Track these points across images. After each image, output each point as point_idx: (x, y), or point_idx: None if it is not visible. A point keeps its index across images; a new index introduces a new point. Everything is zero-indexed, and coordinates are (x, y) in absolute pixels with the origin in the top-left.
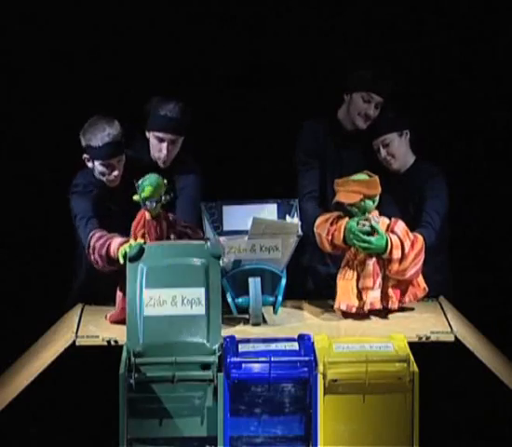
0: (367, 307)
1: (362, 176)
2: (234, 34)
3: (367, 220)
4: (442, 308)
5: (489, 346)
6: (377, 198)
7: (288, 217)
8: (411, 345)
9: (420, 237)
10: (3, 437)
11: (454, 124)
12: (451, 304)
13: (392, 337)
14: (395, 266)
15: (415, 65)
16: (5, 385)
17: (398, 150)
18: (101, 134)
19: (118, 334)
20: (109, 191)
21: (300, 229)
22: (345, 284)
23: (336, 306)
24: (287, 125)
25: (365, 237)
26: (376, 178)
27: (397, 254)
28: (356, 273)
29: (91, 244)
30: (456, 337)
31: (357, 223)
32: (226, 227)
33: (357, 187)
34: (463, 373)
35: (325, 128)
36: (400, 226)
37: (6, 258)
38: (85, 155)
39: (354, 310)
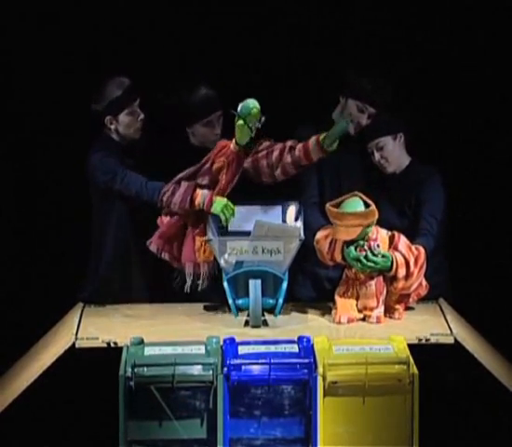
0: (373, 320)
1: (357, 204)
2: (231, 36)
3: (365, 246)
4: (442, 310)
5: (488, 348)
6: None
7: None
8: (411, 346)
9: (422, 250)
10: (3, 438)
11: (449, 124)
12: (450, 305)
13: (392, 339)
14: (400, 284)
15: (408, 66)
16: (4, 386)
17: (392, 153)
18: (118, 84)
19: (118, 336)
20: (124, 150)
21: (302, 233)
22: (345, 301)
23: (336, 320)
24: (288, 125)
25: (368, 264)
26: (373, 207)
27: (402, 273)
28: (356, 292)
29: (165, 199)
30: (456, 339)
31: (356, 249)
32: (231, 228)
33: (355, 221)
34: (462, 375)
35: (318, 132)
36: (403, 242)
37: (6, 259)
38: (107, 118)
39: (355, 321)
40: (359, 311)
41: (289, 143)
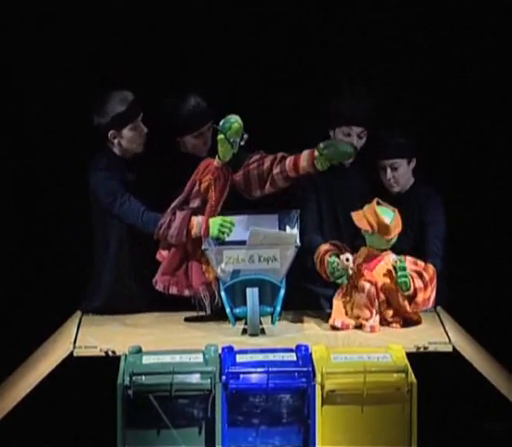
0: (367, 330)
1: (389, 212)
2: (225, 45)
3: (344, 260)
4: (440, 319)
5: (487, 357)
6: (391, 241)
7: (288, 228)
8: (409, 355)
9: (430, 266)
10: None
11: (450, 144)
12: (448, 314)
13: (390, 347)
14: (421, 296)
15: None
16: (3, 395)
17: (403, 176)
18: (121, 99)
19: (116, 345)
20: (126, 165)
21: (298, 240)
22: (340, 305)
23: (331, 323)
24: (287, 133)
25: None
26: (389, 222)
27: (418, 283)
28: (352, 298)
29: (162, 232)
30: (454, 347)
31: (337, 256)
32: (228, 237)
33: (371, 219)
34: (461, 384)
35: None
36: (407, 261)
37: (5, 267)
38: (111, 132)
39: (350, 328)
40: (354, 318)
41: (280, 155)
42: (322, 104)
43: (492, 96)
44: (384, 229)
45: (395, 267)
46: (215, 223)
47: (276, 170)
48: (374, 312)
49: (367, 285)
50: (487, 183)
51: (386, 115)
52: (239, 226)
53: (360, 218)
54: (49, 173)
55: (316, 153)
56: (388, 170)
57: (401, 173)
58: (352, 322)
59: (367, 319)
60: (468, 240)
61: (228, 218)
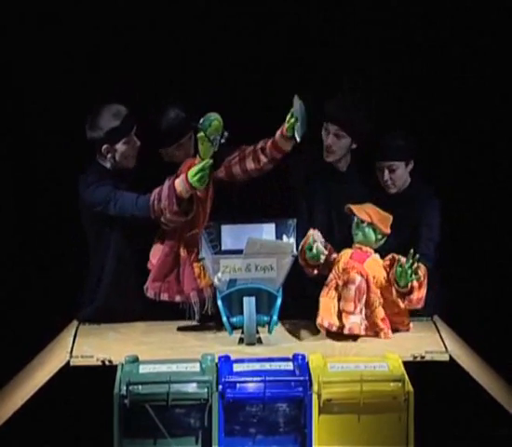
0: (346, 331)
1: (378, 210)
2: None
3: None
4: (437, 328)
5: (483, 366)
6: (381, 240)
7: (285, 237)
8: (406, 364)
9: (423, 267)
10: None
11: (448, 145)
12: (445, 323)
13: (387, 357)
14: (415, 295)
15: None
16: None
17: (401, 177)
18: (115, 113)
19: (113, 354)
20: (118, 176)
21: (294, 249)
22: (327, 302)
23: (319, 322)
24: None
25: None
26: (389, 216)
27: (415, 283)
28: (337, 293)
29: (156, 209)
30: (451, 357)
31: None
32: (224, 247)
33: (370, 211)
34: (457, 393)
35: (310, 162)
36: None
37: (1, 277)
38: (105, 147)
39: (333, 329)
40: (339, 312)
41: (259, 146)
42: (321, 105)
43: (493, 97)
44: (384, 220)
45: (399, 261)
46: (192, 173)
47: (264, 161)
48: (358, 308)
49: (358, 278)
50: (486, 186)
51: (386, 117)
52: (236, 235)
53: (359, 210)
54: (49, 174)
55: (286, 125)
56: (386, 172)
57: (399, 175)
58: (336, 323)
59: (348, 315)
60: (466, 246)
61: (203, 163)
